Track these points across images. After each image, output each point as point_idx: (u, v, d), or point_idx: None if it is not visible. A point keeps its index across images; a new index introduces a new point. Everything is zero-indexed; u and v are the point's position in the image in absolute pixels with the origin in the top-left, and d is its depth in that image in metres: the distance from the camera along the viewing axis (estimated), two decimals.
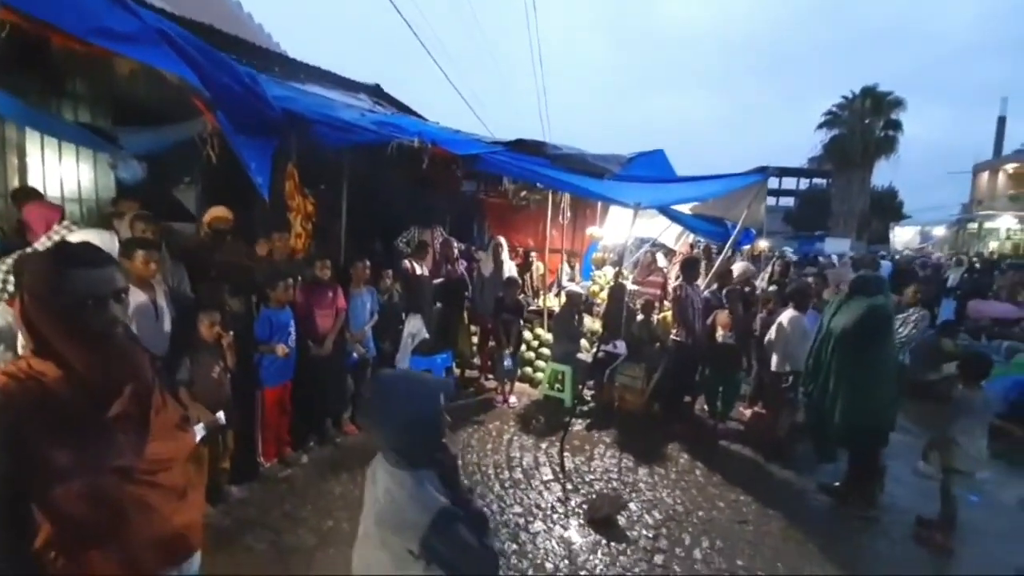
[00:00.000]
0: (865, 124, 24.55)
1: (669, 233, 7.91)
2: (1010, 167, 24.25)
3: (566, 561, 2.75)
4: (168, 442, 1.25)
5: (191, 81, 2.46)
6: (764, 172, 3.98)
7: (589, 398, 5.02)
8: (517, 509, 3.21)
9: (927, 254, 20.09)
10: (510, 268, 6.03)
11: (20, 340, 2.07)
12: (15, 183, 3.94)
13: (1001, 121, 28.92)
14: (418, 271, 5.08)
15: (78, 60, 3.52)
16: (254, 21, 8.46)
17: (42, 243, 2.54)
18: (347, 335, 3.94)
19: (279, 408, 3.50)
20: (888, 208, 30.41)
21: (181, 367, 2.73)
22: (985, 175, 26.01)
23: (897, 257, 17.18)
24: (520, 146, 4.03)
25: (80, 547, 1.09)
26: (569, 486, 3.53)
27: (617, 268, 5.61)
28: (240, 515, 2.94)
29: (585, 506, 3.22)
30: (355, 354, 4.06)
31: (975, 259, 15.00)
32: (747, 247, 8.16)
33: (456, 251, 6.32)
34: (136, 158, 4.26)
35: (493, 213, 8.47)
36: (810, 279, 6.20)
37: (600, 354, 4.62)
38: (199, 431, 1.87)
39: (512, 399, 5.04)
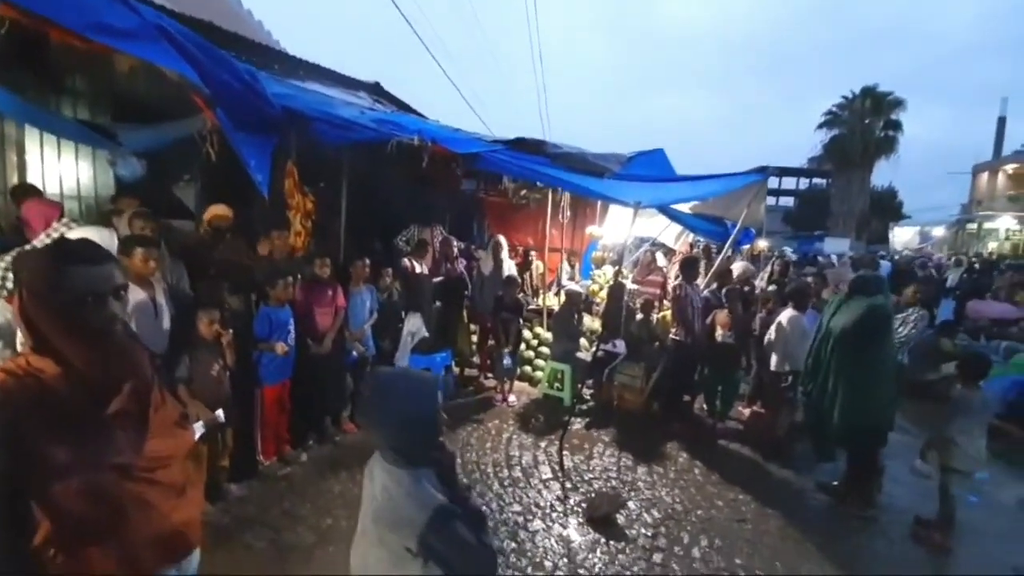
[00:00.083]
0: (865, 124, 24.55)
1: (669, 232, 7.92)
2: (1010, 167, 24.26)
3: (565, 559, 2.75)
4: (167, 439, 1.25)
5: (190, 78, 2.46)
6: (764, 172, 3.98)
7: (588, 397, 5.02)
8: (516, 507, 3.21)
9: (927, 254, 20.10)
10: (510, 267, 6.03)
11: (19, 337, 2.07)
12: (14, 180, 3.94)
13: (1001, 121, 28.94)
14: (418, 269, 5.08)
15: (77, 56, 3.51)
16: (254, 18, 8.45)
17: (41, 240, 2.54)
18: (346, 333, 3.94)
19: (278, 406, 3.50)
20: (888, 208, 30.42)
21: (180, 365, 2.73)
22: (985, 175, 26.03)
23: (896, 257, 17.19)
24: (520, 145, 4.02)
25: (79, 544, 1.09)
26: (568, 485, 3.53)
27: (617, 267, 5.61)
28: (239, 513, 2.94)
29: (584, 505, 3.23)
30: (354, 352, 4.06)
31: (974, 259, 15.02)
32: (747, 247, 8.16)
33: (456, 250, 6.32)
34: (135, 155, 4.25)
35: (493, 212, 8.46)
36: (809, 279, 6.21)
37: (599, 353, 4.62)
38: (198, 429, 1.87)
39: (511, 398, 5.04)
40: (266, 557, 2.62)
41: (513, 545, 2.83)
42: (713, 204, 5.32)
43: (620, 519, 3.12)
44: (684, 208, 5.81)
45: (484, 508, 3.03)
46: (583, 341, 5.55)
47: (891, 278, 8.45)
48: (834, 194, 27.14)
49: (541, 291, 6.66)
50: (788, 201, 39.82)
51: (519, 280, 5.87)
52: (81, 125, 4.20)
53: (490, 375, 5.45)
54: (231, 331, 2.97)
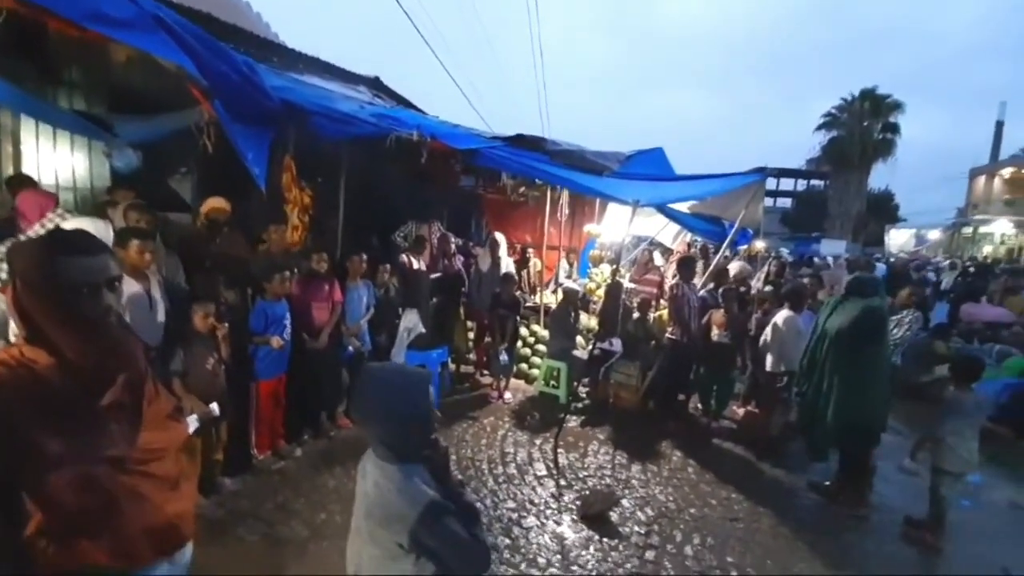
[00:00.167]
0: (863, 126, 24.59)
1: (666, 232, 7.92)
2: (1006, 172, 24.35)
3: (558, 556, 2.76)
4: (161, 432, 1.24)
5: (188, 69, 2.44)
6: (762, 172, 3.99)
7: (584, 395, 5.03)
8: (510, 504, 3.22)
9: (923, 258, 20.20)
10: (507, 264, 6.03)
11: (12, 328, 2.06)
12: (9, 170, 3.90)
13: (999, 125, 29.05)
14: (415, 265, 5.07)
15: (74, 47, 3.48)
16: (252, 10, 8.38)
17: (35, 231, 2.52)
18: (343, 328, 3.94)
19: (273, 400, 3.49)
20: (884, 211, 30.51)
21: (175, 358, 2.72)
22: (981, 179, 26.13)
23: (892, 260, 17.27)
24: (519, 141, 4.02)
25: (71, 536, 1.09)
26: (563, 482, 3.55)
27: (614, 266, 5.62)
28: (233, 507, 2.94)
29: (578, 502, 3.24)
30: (350, 348, 4.05)
31: (968, 263, 15.11)
32: (744, 247, 8.18)
33: (453, 246, 6.31)
34: (132, 147, 4.21)
35: (491, 209, 8.45)
36: (805, 280, 6.23)
37: (596, 351, 4.63)
38: (192, 422, 1.86)
39: (507, 395, 5.05)
40: (259, 551, 2.62)
41: (507, 542, 2.84)
42: (711, 204, 5.33)
43: (614, 517, 3.13)
44: (682, 207, 5.82)
45: (478, 504, 3.03)
46: (580, 339, 5.56)
47: (886, 280, 8.50)
48: (831, 196, 27.19)
49: (538, 288, 6.66)
50: (786, 202, 39.90)
51: (516, 277, 5.87)
52: (77, 116, 4.17)
53: (486, 372, 5.46)
54: (227, 325, 2.96)
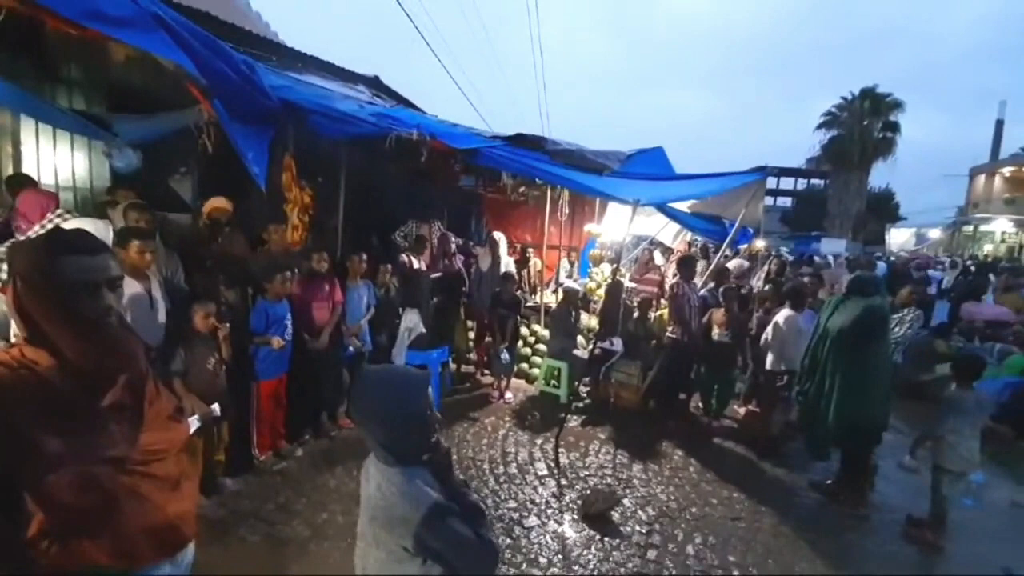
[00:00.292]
0: (863, 125, 24.58)
1: (667, 231, 7.92)
2: (1007, 170, 24.36)
3: (560, 556, 2.76)
4: (162, 432, 1.24)
5: (187, 68, 2.43)
6: (762, 171, 3.98)
7: (585, 394, 5.03)
8: (512, 504, 3.22)
9: (925, 256, 20.19)
10: (508, 264, 6.02)
11: (13, 328, 2.05)
12: (9, 170, 3.89)
13: (999, 124, 29.05)
14: (415, 265, 5.07)
15: (73, 45, 3.47)
16: (252, 9, 8.37)
17: (35, 231, 2.51)
18: (343, 328, 3.93)
19: (274, 401, 3.49)
20: (884, 209, 30.51)
21: (176, 358, 2.71)
22: (982, 178, 26.15)
23: (892, 259, 17.27)
24: (519, 141, 4.01)
25: (73, 536, 1.09)
26: (564, 482, 3.54)
27: (615, 265, 5.61)
28: (234, 507, 2.93)
29: (579, 502, 3.24)
30: (351, 347, 4.05)
31: (969, 261, 15.11)
32: (744, 246, 8.18)
33: (454, 246, 6.30)
34: (131, 146, 4.20)
35: (491, 208, 8.44)
36: (806, 279, 6.23)
37: (596, 351, 4.62)
38: (193, 422, 1.86)
39: (508, 395, 5.04)
40: (261, 551, 2.61)
41: (508, 541, 2.84)
42: (711, 203, 5.33)
43: (615, 516, 3.13)
44: (682, 207, 5.81)
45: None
46: (580, 339, 5.56)
47: (886, 279, 8.50)
48: (831, 195, 27.18)
49: (539, 288, 6.65)
50: (786, 201, 39.91)
51: (516, 277, 5.86)
52: (77, 115, 4.16)
53: (487, 372, 5.46)
54: (227, 325, 2.95)
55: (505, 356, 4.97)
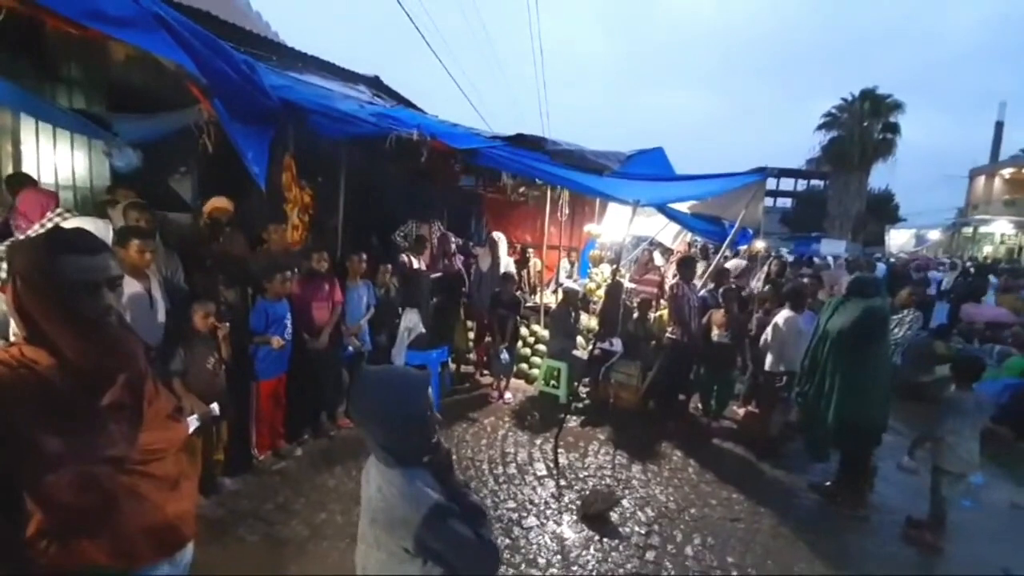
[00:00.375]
0: (863, 127, 24.58)
1: (667, 232, 7.92)
2: (1007, 172, 24.35)
3: (559, 556, 2.76)
4: (161, 432, 1.24)
5: (188, 68, 2.43)
6: (763, 172, 3.98)
7: (584, 395, 5.03)
8: (511, 504, 3.22)
9: (925, 258, 20.19)
10: (508, 264, 6.02)
11: (12, 327, 2.05)
12: (9, 169, 3.89)
13: (999, 126, 29.05)
14: (415, 265, 5.07)
15: (73, 45, 3.47)
16: (252, 9, 8.37)
17: (35, 230, 2.51)
18: (343, 328, 3.93)
19: (274, 400, 3.49)
20: (884, 211, 30.51)
21: (175, 357, 2.71)
22: (981, 179, 26.15)
23: (892, 260, 17.27)
24: (519, 141, 4.01)
25: (72, 536, 1.09)
26: (563, 482, 3.54)
27: (615, 266, 5.61)
28: (233, 507, 2.93)
29: (578, 502, 3.23)
30: (351, 347, 4.05)
31: (968, 263, 15.10)
32: (744, 247, 8.18)
33: (453, 246, 6.30)
34: (131, 146, 4.20)
35: (491, 208, 8.45)
36: (805, 280, 6.23)
37: (596, 351, 4.62)
38: (193, 422, 1.86)
39: (507, 395, 5.04)
40: (260, 551, 2.61)
41: (507, 542, 2.84)
42: (711, 204, 5.33)
43: (614, 517, 3.13)
44: (682, 207, 5.81)
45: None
46: (580, 339, 5.56)
47: (886, 280, 8.50)
48: (831, 196, 27.17)
49: (539, 288, 6.65)
50: (786, 202, 39.90)
51: (516, 277, 5.86)
52: (77, 114, 4.16)
53: (486, 372, 5.46)
54: (227, 324, 2.95)
55: (505, 356, 4.97)
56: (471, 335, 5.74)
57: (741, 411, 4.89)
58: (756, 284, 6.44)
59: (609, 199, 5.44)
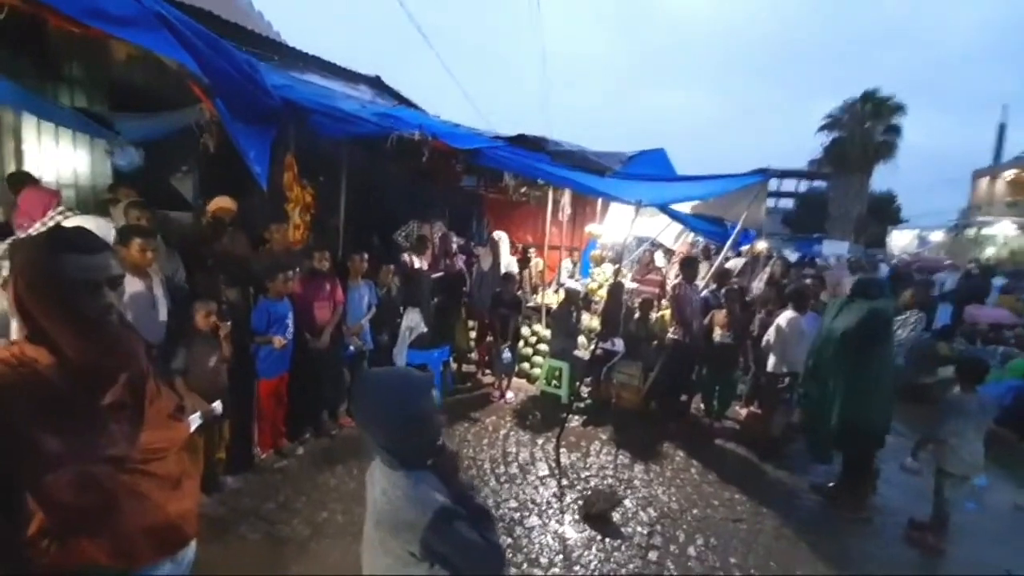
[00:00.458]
0: (865, 128, 24.53)
1: (668, 232, 7.91)
2: (1009, 174, 24.28)
3: (560, 556, 2.75)
4: (162, 431, 1.24)
5: (189, 67, 2.42)
6: (764, 173, 3.98)
7: (586, 395, 5.02)
8: (512, 504, 3.21)
9: (927, 260, 20.12)
10: (509, 263, 6.01)
11: (14, 326, 2.05)
12: (12, 168, 3.90)
13: (1001, 128, 28.99)
14: (417, 265, 5.06)
15: (75, 44, 3.47)
16: (254, 8, 8.38)
17: (37, 228, 2.51)
18: (344, 328, 3.93)
19: (276, 399, 3.49)
20: (886, 212, 30.44)
21: (177, 356, 2.72)
22: (984, 181, 26.07)
23: (894, 261, 17.23)
24: (521, 141, 4.00)
25: (73, 535, 1.08)
26: (565, 482, 3.54)
27: (616, 266, 5.61)
28: (235, 505, 2.93)
29: (580, 502, 3.23)
30: (352, 347, 4.04)
31: (971, 264, 15.04)
32: (746, 247, 8.17)
33: (455, 246, 6.30)
34: (133, 145, 4.21)
35: (493, 208, 8.44)
36: (807, 281, 6.21)
37: (598, 351, 4.62)
38: (194, 421, 1.86)
39: (509, 394, 5.04)
40: (261, 549, 2.61)
41: (509, 541, 2.83)
42: (713, 204, 5.31)
43: (616, 517, 3.12)
44: (684, 208, 5.80)
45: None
46: (581, 339, 5.55)
47: (888, 281, 8.45)
48: (833, 197, 27.13)
49: (540, 288, 6.65)
50: (788, 203, 39.82)
51: (518, 277, 5.86)
52: (79, 113, 4.16)
53: (488, 371, 5.45)
54: (229, 323, 2.95)
55: (506, 356, 4.97)
56: (472, 335, 5.73)
57: (743, 412, 4.88)
58: (758, 285, 6.42)
59: (611, 199, 5.44)
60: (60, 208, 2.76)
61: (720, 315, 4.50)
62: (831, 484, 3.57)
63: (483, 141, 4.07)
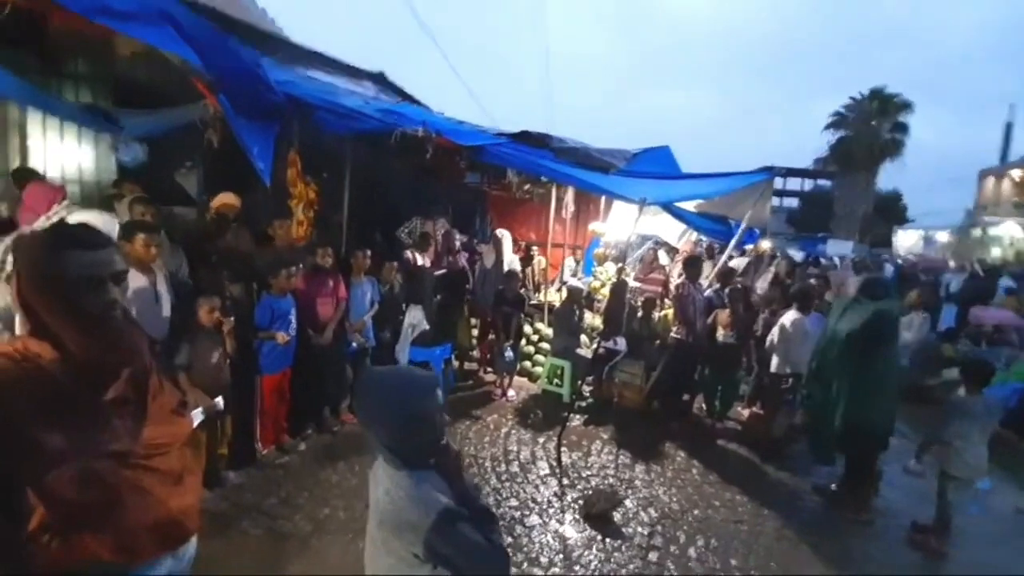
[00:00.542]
0: (872, 126, 24.35)
1: (672, 230, 7.88)
2: (1016, 173, 24.10)
3: (561, 556, 2.75)
4: (165, 426, 1.24)
5: (193, 63, 2.43)
6: (769, 171, 3.96)
7: (588, 394, 5.02)
8: (513, 503, 3.21)
9: (933, 261, 19.99)
10: (512, 261, 6.00)
11: (17, 321, 2.06)
12: (16, 163, 3.92)
13: (1008, 127, 28.75)
14: (419, 262, 5.06)
15: (80, 40, 3.48)
16: (257, 5, 8.36)
17: (40, 224, 2.52)
18: (346, 325, 3.93)
19: (278, 395, 3.50)
20: (892, 211, 30.24)
21: (180, 352, 2.73)
22: (991, 181, 25.89)
23: (900, 261, 17.13)
24: (524, 139, 4.00)
25: (75, 531, 1.08)
26: (566, 481, 3.54)
27: (620, 264, 5.59)
28: (237, 501, 2.94)
29: (581, 501, 3.23)
30: (355, 343, 4.05)
31: (977, 265, 14.94)
32: (751, 246, 8.13)
33: (458, 243, 6.29)
34: (137, 140, 4.22)
35: (496, 206, 8.42)
36: (812, 280, 6.18)
37: (600, 350, 4.61)
38: (197, 416, 1.86)
39: (511, 393, 5.04)
40: (263, 545, 2.62)
41: (509, 540, 2.83)
42: (718, 203, 5.29)
43: (617, 517, 3.12)
44: (688, 206, 5.78)
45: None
46: (584, 338, 5.54)
47: (894, 282, 8.41)
48: (838, 196, 26.95)
49: (543, 286, 6.64)
50: (792, 202, 39.60)
51: (520, 275, 5.85)
52: (83, 109, 4.18)
53: (490, 369, 5.45)
54: (232, 319, 2.96)
55: (508, 354, 4.97)
56: (475, 332, 5.73)
57: (746, 412, 4.86)
58: (762, 284, 6.39)
59: (615, 197, 5.41)
60: (64, 203, 2.77)
61: (723, 315, 4.48)
62: (833, 486, 3.56)
63: (487, 138, 4.06)
